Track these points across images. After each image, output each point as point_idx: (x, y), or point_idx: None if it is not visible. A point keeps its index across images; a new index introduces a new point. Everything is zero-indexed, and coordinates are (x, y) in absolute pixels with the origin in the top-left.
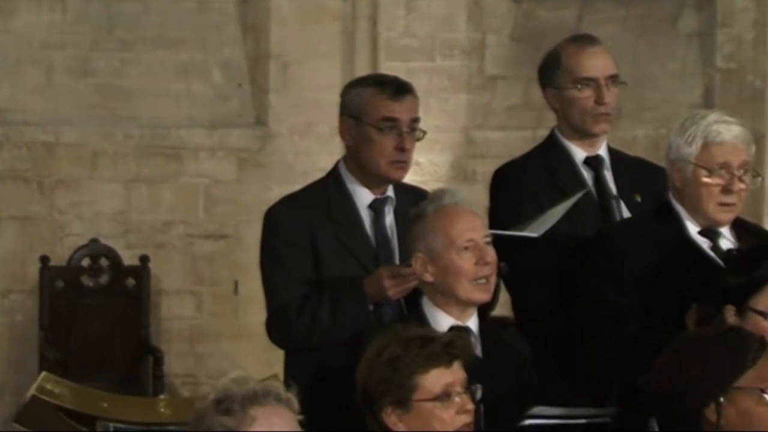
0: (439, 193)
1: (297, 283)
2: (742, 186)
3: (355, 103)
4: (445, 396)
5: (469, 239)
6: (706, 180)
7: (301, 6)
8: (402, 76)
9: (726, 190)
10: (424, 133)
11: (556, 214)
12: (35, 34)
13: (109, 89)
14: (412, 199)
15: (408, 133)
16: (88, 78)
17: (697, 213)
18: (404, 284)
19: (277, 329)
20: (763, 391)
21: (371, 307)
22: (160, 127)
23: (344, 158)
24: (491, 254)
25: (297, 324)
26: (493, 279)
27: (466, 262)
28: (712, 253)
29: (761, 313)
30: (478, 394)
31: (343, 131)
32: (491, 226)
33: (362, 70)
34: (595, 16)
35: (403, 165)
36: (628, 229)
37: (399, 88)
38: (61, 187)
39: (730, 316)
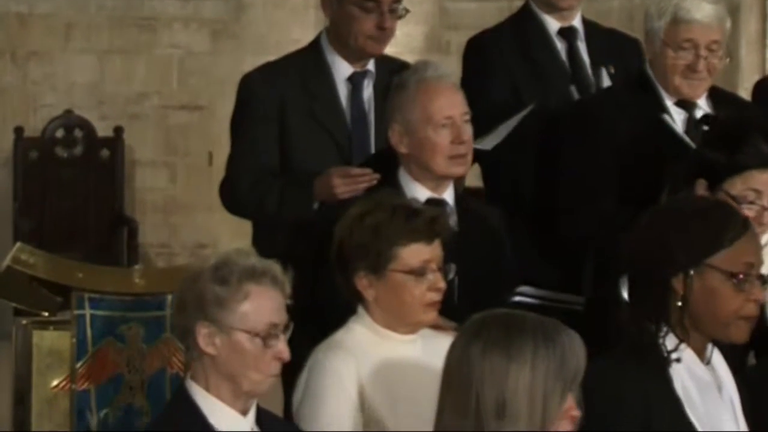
0: (423, 65)
1: (259, 153)
2: (710, 64)
3: None
4: (420, 271)
5: (447, 116)
6: (670, 56)
7: None
8: None
9: (690, 68)
10: (407, 11)
11: (506, 127)
12: None
13: None
14: (392, 70)
15: (389, 12)
16: None
17: (665, 86)
18: (353, 185)
19: (225, 195)
20: (732, 275)
21: (316, 205)
22: None
23: (326, 30)
24: (468, 132)
25: (245, 199)
26: (470, 155)
27: (442, 139)
28: (687, 138)
29: (733, 198)
30: (451, 274)
31: (324, 4)
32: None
33: None
34: None
35: (383, 40)
36: (604, 102)
37: None
38: (34, 59)
39: (701, 189)
